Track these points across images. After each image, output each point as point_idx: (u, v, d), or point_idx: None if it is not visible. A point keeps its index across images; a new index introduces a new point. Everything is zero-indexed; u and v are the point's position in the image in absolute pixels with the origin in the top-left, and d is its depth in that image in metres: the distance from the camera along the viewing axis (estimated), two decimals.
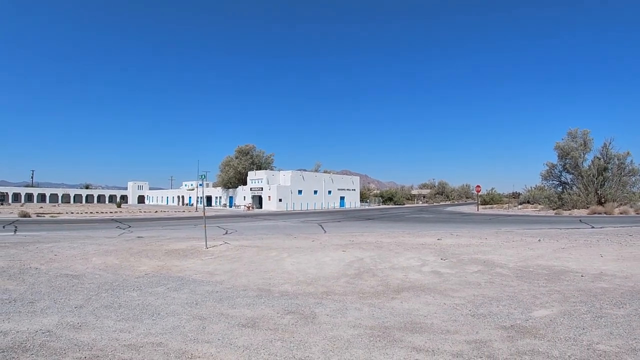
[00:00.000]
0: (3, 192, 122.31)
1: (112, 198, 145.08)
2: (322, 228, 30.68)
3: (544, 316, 7.00)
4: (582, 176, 55.42)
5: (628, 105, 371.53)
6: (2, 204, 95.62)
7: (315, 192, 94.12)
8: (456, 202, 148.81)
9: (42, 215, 49.91)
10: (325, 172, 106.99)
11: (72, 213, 56.92)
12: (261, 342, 5.90)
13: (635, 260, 12.67)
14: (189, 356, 5.38)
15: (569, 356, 5.23)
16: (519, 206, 73.45)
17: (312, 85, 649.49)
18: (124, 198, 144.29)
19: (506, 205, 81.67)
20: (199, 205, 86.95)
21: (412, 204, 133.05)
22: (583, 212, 48.30)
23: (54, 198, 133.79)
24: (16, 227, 31.26)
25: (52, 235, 23.77)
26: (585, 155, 57.39)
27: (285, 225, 35.19)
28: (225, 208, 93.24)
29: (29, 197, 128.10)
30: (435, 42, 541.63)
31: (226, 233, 25.74)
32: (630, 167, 54.33)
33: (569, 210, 51.93)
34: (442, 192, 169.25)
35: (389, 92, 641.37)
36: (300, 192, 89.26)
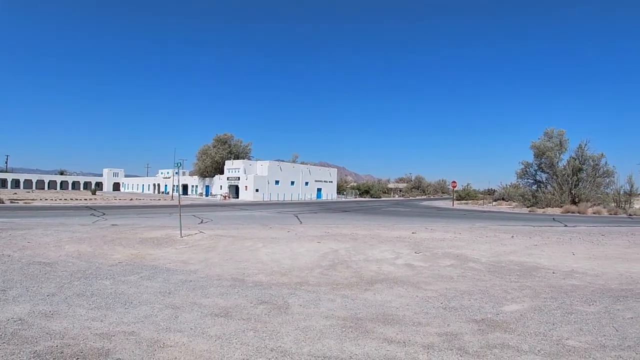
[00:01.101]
0: None
1: (87, 185, 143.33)
2: (298, 219, 30.67)
3: (514, 311, 7.10)
4: (557, 175, 56.12)
5: (605, 107, 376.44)
6: None
7: (293, 183, 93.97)
8: (432, 197, 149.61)
9: (16, 201, 49.17)
10: (302, 163, 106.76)
11: (46, 199, 56.15)
12: (233, 331, 5.90)
13: (606, 259, 12.89)
14: (161, 345, 5.37)
15: (538, 350, 5.32)
16: (494, 203, 74.26)
17: (292, 78, 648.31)
18: (99, 185, 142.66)
19: (481, 202, 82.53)
20: (174, 193, 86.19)
21: (389, 197, 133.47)
22: (557, 211, 48.90)
23: (28, 184, 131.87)
24: None
25: (26, 222, 23.43)
26: (561, 155, 58.17)
27: (262, 215, 35.12)
28: (201, 197, 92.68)
29: (3, 183, 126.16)
30: (415, 41, 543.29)
31: (202, 222, 25.60)
32: (605, 169, 55.12)
33: (543, 208, 52.56)
34: (418, 187, 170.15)
35: (368, 88, 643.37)
36: (277, 182, 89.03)
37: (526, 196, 58.30)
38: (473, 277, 9.90)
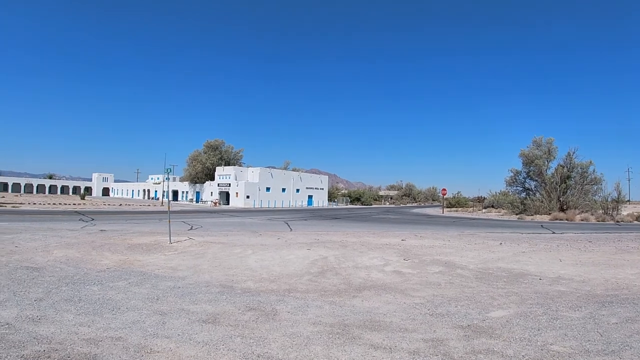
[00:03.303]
0: None
1: (76, 189, 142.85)
2: (289, 226, 30.68)
3: (500, 317, 7.16)
4: (545, 183, 56.44)
5: (593, 116, 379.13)
6: None
7: (284, 190, 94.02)
8: (422, 205, 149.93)
9: (4, 205, 48.93)
10: (294, 170, 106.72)
11: (35, 204, 55.95)
12: (221, 337, 5.93)
13: (593, 266, 12.99)
14: (148, 351, 5.39)
15: (522, 356, 5.37)
16: (484, 210, 74.60)
17: (284, 85, 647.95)
18: (88, 190, 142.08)
19: (471, 209, 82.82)
20: (164, 199, 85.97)
21: (380, 204, 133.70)
22: (545, 218, 49.12)
23: (16, 187, 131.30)
24: None
25: (13, 226, 23.34)
26: (549, 163, 58.55)
27: (252, 222, 35.10)
28: (191, 203, 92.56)
29: None
30: (406, 51, 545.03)
31: (191, 229, 25.57)
32: (593, 176, 55.47)
33: (532, 215, 52.75)
34: (409, 194, 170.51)
35: (360, 97, 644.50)
36: (268, 189, 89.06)
37: (515, 204, 58.51)
38: (460, 284, 9.96)
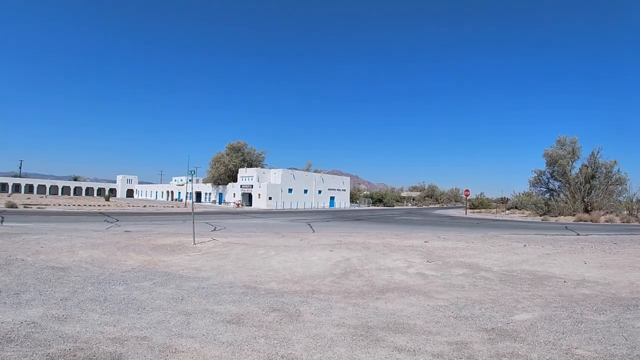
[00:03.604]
0: None
1: (100, 191, 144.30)
2: (311, 227, 30.68)
3: (524, 320, 7.09)
4: (569, 184, 55.71)
5: (617, 114, 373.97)
6: None
7: (306, 191, 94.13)
8: (445, 206, 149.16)
9: (30, 206, 49.60)
10: (316, 171, 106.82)
11: (60, 205, 56.61)
12: (245, 338, 5.95)
13: (618, 268, 12.80)
14: (173, 350, 5.43)
15: (547, 359, 5.32)
16: (507, 211, 73.95)
17: (306, 86, 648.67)
18: (113, 191, 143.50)
19: (494, 210, 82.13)
20: (188, 200, 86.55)
21: (402, 206, 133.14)
22: (569, 219, 48.55)
23: (41, 189, 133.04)
24: (2, 217, 31.10)
25: (39, 227, 23.66)
26: (573, 163, 57.71)
27: (274, 223, 35.16)
28: (214, 205, 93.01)
29: (17, 188, 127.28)
30: (428, 49, 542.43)
31: (214, 230, 25.69)
32: (617, 176, 54.53)
33: (556, 216, 52.14)
34: (431, 195, 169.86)
35: (382, 97, 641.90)
36: (290, 190, 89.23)
37: (539, 204, 57.90)
38: (484, 286, 9.88)
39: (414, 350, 5.55)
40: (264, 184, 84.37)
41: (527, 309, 7.89)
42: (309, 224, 34.35)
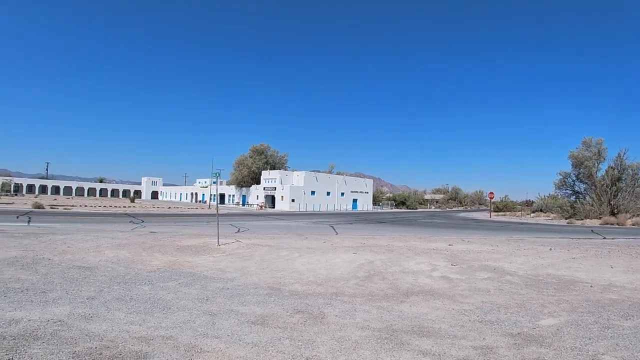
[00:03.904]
0: (17, 183, 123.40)
1: (125, 193, 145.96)
2: (334, 229, 30.68)
3: (551, 325, 7.01)
4: (595, 186, 54.90)
5: None
6: (16, 195, 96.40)
7: (328, 193, 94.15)
8: (469, 208, 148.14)
9: (56, 207, 50.30)
10: (338, 173, 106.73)
11: (86, 206, 57.39)
12: (270, 339, 5.97)
13: None
14: (198, 350, 5.47)
15: None
16: (532, 214, 73.19)
17: (328, 88, 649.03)
18: (138, 193, 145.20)
19: (519, 213, 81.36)
20: (212, 202, 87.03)
21: (425, 208, 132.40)
22: (595, 223, 47.88)
23: (68, 191, 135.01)
24: (30, 218, 31.62)
25: (66, 227, 24.01)
26: (599, 165, 56.82)
27: (297, 225, 35.25)
28: (238, 206, 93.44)
29: (43, 189, 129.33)
30: (452, 50, 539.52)
31: (238, 231, 25.83)
32: None
33: (581, 220, 51.44)
34: (455, 198, 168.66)
35: (404, 98, 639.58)
36: (313, 193, 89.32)
37: (564, 207, 57.18)
38: (510, 291, 9.78)
39: (439, 355, 5.52)
40: (287, 186, 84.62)
41: (553, 313, 7.80)
42: (332, 226, 34.36)
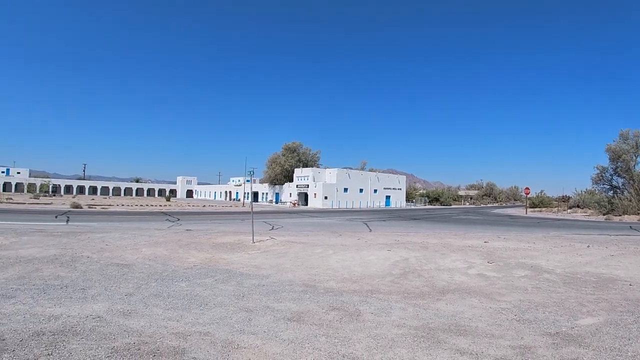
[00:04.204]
0: (56, 184, 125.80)
1: (161, 192, 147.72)
2: (368, 227, 30.62)
3: (590, 324, 6.88)
4: (633, 180, 53.60)
5: None
6: (54, 196, 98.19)
7: (361, 190, 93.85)
8: (504, 205, 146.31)
9: (94, 206, 51.08)
10: (371, 170, 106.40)
11: (123, 205, 58.17)
12: (306, 336, 5.99)
13: None
14: (235, 346, 5.52)
15: None
16: (569, 210, 71.75)
17: (360, 85, 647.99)
18: (173, 192, 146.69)
19: (555, 209, 79.76)
20: (246, 200, 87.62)
21: (459, 205, 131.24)
22: (634, 219, 46.86)
23: (105, 191, 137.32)
24: (68, 217, 32.23)
25: (103, 226, 24.41)
26: (638, 158, 55.43)
27: (331, 222, 35.26)
28: (271, 204, 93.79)
29: (81, 190, 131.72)
30: (486, 46, 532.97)
31: (272, 229, 25.98)
32: None
33: (619, 215, 50.30)
34: (489, 194, 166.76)
35: (437, 94, 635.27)
36: (345, 190, 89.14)
37: (602, 203, 55.77)
38: (548, 289, 9.64)
39: (476, 354, 5.47)
40: (320, 183, 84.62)
41: (592, 313, 7.66)
42: (365, 223, 34.29)
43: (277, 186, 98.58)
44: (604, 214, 52.35)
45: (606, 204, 54.77)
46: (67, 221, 28.00)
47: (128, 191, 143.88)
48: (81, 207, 47.51)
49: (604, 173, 60.10)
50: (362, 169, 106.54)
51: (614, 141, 58.05)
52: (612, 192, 58.89)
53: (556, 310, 7.80)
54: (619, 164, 56.63)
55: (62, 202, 58.47)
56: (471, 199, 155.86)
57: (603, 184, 61.07)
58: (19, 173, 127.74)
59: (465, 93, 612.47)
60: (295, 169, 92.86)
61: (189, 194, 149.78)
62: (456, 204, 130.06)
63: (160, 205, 62.47)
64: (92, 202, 61.28)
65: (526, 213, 67.72)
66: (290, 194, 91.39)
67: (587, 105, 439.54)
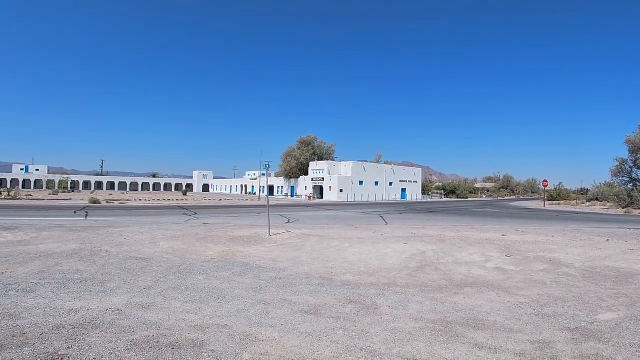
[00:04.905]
0: (74, 180, 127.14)
1: (178, 186, 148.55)
2: (383, 219, 30.59)
3: (609, 320, 6.81)
4: None
5: None
6: (73, 192, 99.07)
7: (376, 183, 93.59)
8: (521, 197, 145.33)
9: (112, 201, 51.49)
10: (386, 163, 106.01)
11: (140, 200, 58.64)
12: (323, 329, 6.00)
13: None
14: (253, 339, 5.54)
15: None
16: (587, 203, 71.06)
17: (375, 77, 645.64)
18: (190, 186, 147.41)
19: (574, 202, 79.02)
20: (261, 194, 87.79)
21: (476, 197, 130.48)
22: None
23: (122, 186, 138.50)
24: (87, 212, 32.55)
25: (121, 220, 24.62)
26: None
27: (346, 215, 35.28)
28: (286, 197, 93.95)
29: (99, 185, 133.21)
30: (506, 38, 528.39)
31: (288, 222, 26.04)
32: None
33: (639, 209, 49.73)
34: (506, 187, 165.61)
35: (452, 86, 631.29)
36: (361, 183, 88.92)
37: (621, 196, 55.05)
38: (567, 283, 9.55)
39: (495, 348, 5.44)
40: (335, 176, 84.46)
41: (611, 308, 7.58)
42: (381, 216, 34.26)
43: (292, 179, 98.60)
44: (623, 207, 51.75)
45: (626, 197, 54.10)
46: (86, 216, 28.29)
47: (145, 186, 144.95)
48: (99, 203, 47.93)
49: (624, 165, 59.22)
50: (378, 161, 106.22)
51: (633, 132, 57.24)
52: (631, 185, 58.09)
53: (575, 305, 7.73)
54: (638, 156, 55.81)
55: (81, 198, 59.01)
56: (488, 191, 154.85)
57: (622, 177, 60.27)
58: (37, 170, 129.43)
59: (482, 85, 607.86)
60: (311, 162, 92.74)
61: (205, 188, 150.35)
62: (473, 197, 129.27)
63: (177, 200, 62.87)
64: (110, 197, 61.80)
65: (544, 206, 67.16)
66: (306, 187, 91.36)
67: (606, 96, 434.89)
